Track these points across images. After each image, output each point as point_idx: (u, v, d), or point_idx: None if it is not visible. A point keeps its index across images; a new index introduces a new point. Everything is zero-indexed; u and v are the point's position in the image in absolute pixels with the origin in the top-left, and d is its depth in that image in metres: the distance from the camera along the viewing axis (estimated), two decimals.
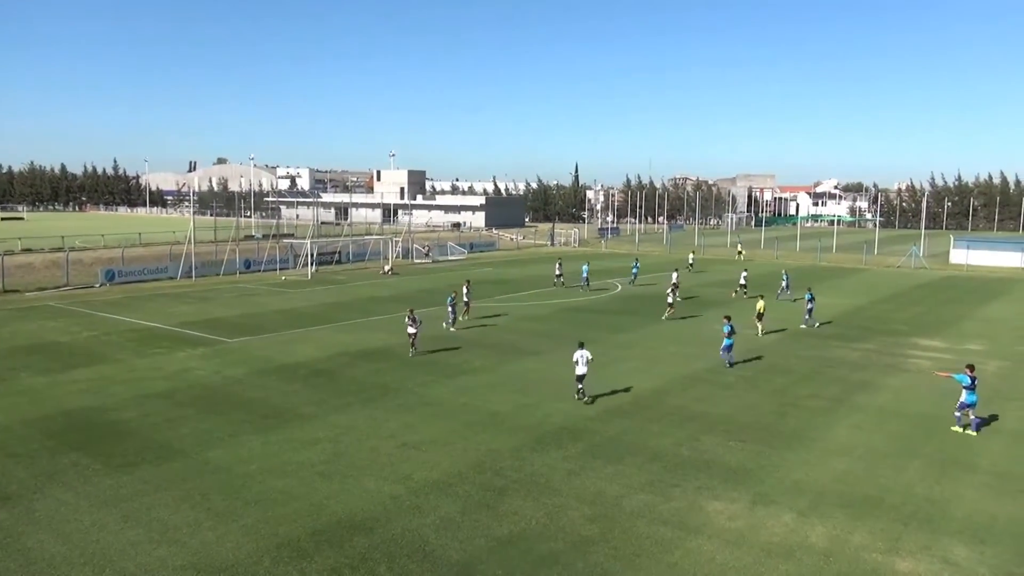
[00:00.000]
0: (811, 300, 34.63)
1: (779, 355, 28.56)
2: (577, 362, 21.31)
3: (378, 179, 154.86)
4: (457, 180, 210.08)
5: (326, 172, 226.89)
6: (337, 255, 62.38)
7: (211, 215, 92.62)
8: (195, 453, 17.34)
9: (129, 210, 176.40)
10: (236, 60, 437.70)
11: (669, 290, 37.50)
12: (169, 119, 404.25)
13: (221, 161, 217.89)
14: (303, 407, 21.09)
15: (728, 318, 26.62)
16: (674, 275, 42.80)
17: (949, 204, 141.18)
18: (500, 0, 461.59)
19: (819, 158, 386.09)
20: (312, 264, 54.97)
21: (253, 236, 73.87)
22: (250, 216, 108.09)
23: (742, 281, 45.26)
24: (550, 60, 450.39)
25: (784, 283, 44.18)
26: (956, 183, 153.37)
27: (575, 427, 19.55)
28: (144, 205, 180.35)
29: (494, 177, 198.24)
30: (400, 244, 66.33)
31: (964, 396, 19.35)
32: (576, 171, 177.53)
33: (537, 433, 19.03)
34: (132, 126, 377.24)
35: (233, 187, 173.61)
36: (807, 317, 34.57)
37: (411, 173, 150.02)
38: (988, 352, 29.73)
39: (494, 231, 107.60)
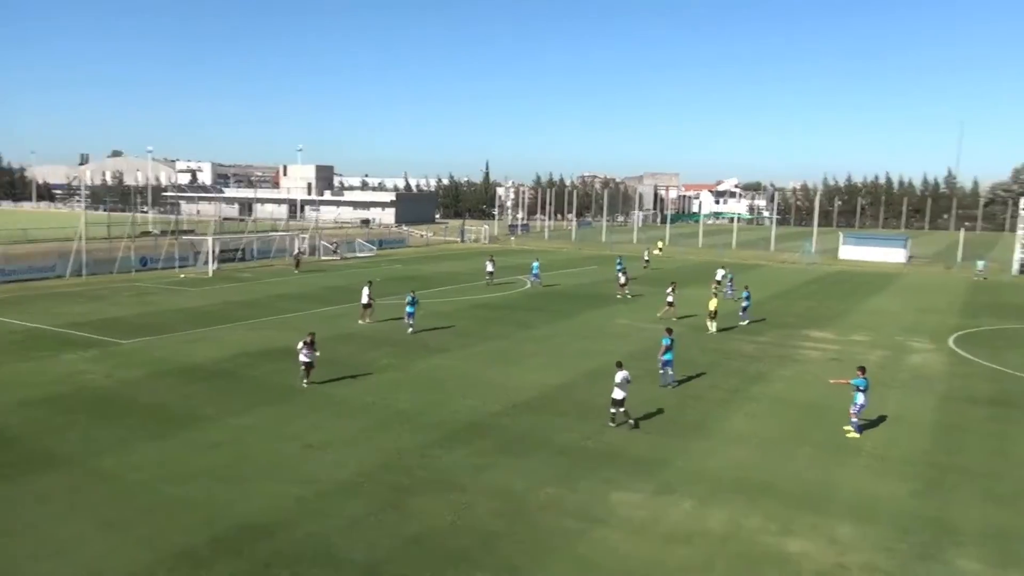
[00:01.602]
0: (747, 298, 35.59)
1: (681, 348, 29.41)
2: (618, 384, 19.23)
3: (284, 174, 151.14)
4: (367, 176, 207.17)
5: (229, 167, 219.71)
6: (241, 252, 60.47)
7: (105, 210, 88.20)
8: (84, 461, 16.51)
9: (14, 205, 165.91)
10: (132, 48, 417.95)
11: (670, 289, 36.93)
12: (59, 109, 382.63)
13: (116, 154, 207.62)
14: (203, 410, 20.38)
15: (670, 331, 24.21)
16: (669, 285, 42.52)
17: (839, 203, 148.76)
18: None
19: (721, 158, 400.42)
20: (214, 261, 53.11)
21: (151, 232, 70.73)
22: (147, 211, 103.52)
23: (718, 278, 46.48)
24: (461, 57, 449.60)
25: (728, 281, 45.60)
26: (846, 183, 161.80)
27: (483, 423, 19.64)
28: (30, 200, 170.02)
29: (405, 173, 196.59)
30: (307, 241, 64.88)
31: (860, 399, 19.24)
32: (487, 168, 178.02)
33: (445, 430, 19.02)
34: (16, 115, 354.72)
35: (129, 181, 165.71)
36: (742, 314, 35.27)
37: (319, 168, 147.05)
38: (872, 343, 31.53)
39: (404, 228, 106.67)
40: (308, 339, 22.78)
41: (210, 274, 50.88)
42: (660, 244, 74.03)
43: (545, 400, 21.97)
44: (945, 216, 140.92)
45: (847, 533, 13.78)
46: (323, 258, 64.54)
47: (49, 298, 39.70)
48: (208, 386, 22.84)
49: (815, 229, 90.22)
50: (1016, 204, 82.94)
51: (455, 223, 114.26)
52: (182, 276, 49.93)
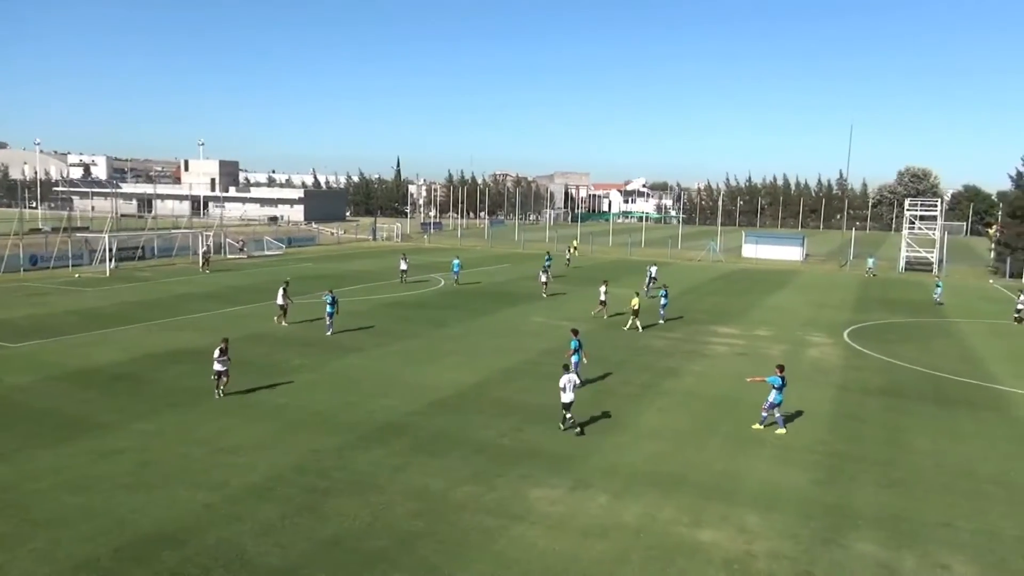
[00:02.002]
0: (665, 296, 36.10)
1: (594, 346, 29.95)
2: (564, 388, 18.94)
3: (186, 169, 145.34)
4: (274, 172, 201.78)
5: (126, 160, 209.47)
6: (140, 250, 57.86)
7: None
8: None
9: None
10: (21, 32, 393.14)
11: (603, 287, 36.82)
12: None
13: (1, 146, 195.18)
14: (102, 415, 19.42)
15: (576, 332, 24.09)
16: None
17: (741, 203, 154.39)
18: None
19: (629, 158, 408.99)
20: (111, 260, 50.65)
21: (40, 229, 66.93)
22: (36, 207, 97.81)
23: (652, 274, 47.36)
24: (370, 52, 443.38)
25: (648, 278, 46.65)
26: (747, 183, 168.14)
27: (399, 423, 19.48)
28: None
29: (313, 169, 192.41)
30: (212, 239, 62.73)
31: (773, 396, 19.56)
32: (398, 165, 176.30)
33: (361, 431, 18.76)
34: None
35: (15, 175, 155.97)
36: (662, 312, 35.71)
37: (223, 164, 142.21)
38: (773, 337, 32.92)
39: (314, 225, 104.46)
40: (222, 345, 21.11)
41: (107, 273, 48.53)
42: (574, 243, 75.08)
43: (461, 399, 21.96)
44: (838, 216, 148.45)
45: (754, 522, 14.35)
46: (229, 256, 62.51)
47: None
48: (108, 390, 21.78)
49: (719, 228, 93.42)
50: (901, 205, 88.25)
51: (366, 221, 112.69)
52: (77, 276, 47.41)
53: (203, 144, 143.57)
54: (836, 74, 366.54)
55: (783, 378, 19.76)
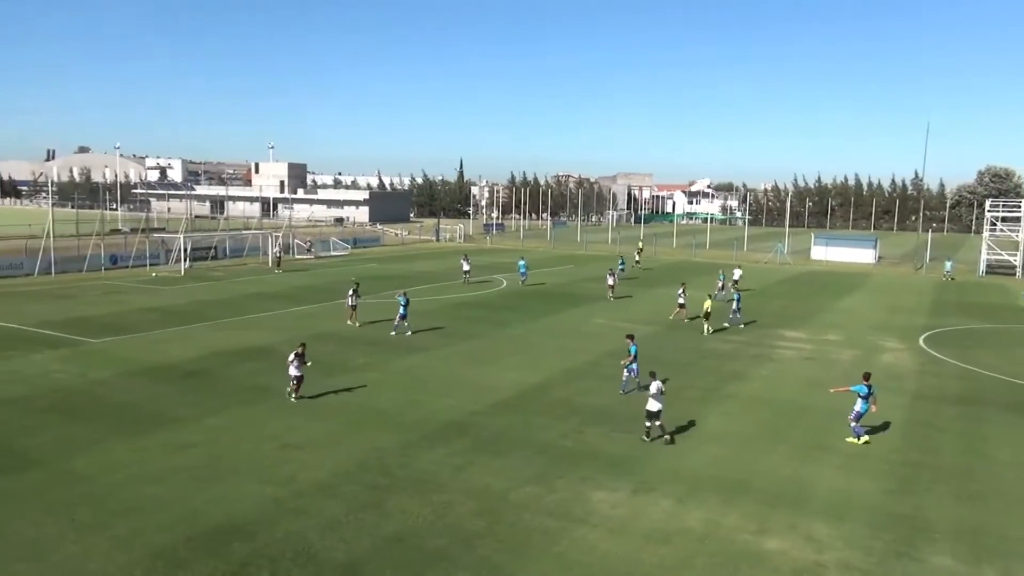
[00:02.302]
0: (738, 300, 34.99)
1: (657, 347, 29.65)
2: (652, 395, 18.22)
3: (256, 172, 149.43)
4: (340, 174, 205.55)
5: (200, 163, 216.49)
6: (213, 250, 59.79)
7: (73, 207, 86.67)
8: (57, 462, 16.23)
9: None
10: (99, 41, 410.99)
11: (680, 290, 36.29)
12: (24, 103, 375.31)
13: (83, 150, 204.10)
14: (176, 410, 20.12)
15: (631, 337, 23.48)
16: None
17: (810, 204, 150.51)
18: None
19: (694, 158, 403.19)
20: (186, 260, 52.45)
21: (120, 230, 69.72)
22: (116, 209, 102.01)
23: (735, 277, 46.28)
24: (436, 55, 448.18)
25: (720, 283, 44.57)
26: (816, 184, 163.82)
27: (461, 423, 19.61)
28: None
29: (379, 171, 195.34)
30: (281, 239, 64.37)
31: (859, 405, 18.76)
32: (461, 167, 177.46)
33: (424, 430, 18.96)
34: None
35: (97, 178, 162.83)
36: (735, 316, 34.53)
37: (291, 166, 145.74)
38: (843, 342, 31.97)
39: (378, 226, 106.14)
40: (299, 350, 21.12)
41: (182, 273, 50.25)
42: (640, 244, 74.36)
43: (523, 399, 21.99)
44: (913, 217, 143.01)
45: (824, 531, 13.95)
46: (297, 257, 64.01)
47: (17, 297, 38.96)
48: (182, 386, 22.55)
49: (786, 229, 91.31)
50: (981, 206, 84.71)
51: (430, 222, 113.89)
52: (153, 275, 49.25)
53: (272, 147, 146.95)
54: (911, 71, 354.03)
55: (870, 386, 18.89)
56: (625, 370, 22.85)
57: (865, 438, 18.88)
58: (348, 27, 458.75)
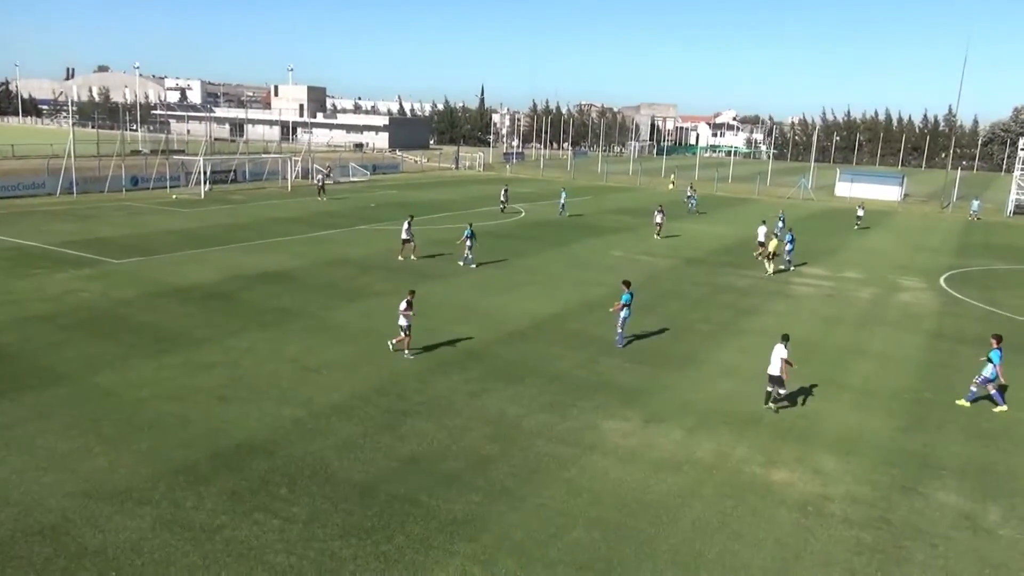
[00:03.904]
0: (792, 241, 33.52)
1: (675, 281, 29.61)
2: (772, 360, 16.62)
3: (275, 95, 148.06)
4: (360, 99, 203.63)
5: (219, 85, 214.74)
6: (233, 173, 59.77)
7: (93, 127, 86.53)
8: (82, 378, 16.65)
9: None
10: None
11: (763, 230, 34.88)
12: (42, 20, 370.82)
13: (102, 69, 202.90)
14: (198, 330, 20.47)
15: (627, 284, 21.44)
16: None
17: (838, 139, 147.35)
18: None
19: (719, 89, 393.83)
20: (206, 183, 52.53)
21: (140, 151, 69.60)
22: (136, 130, 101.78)
23: (859, 213, 47.82)
24: None
25: (780, 223, 40.92)
26: (845, 118, 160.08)
27: (477, 350, 19.83)
28: (16, 115, 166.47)
29: (399, 97, 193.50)
30: (299, 164, 64.11)
31: (988, 371, 17.38)
32: (482, 94, 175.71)
33: (439, 357, 19.20)
34: None
35: (116, 98, 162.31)
36: (788, 259, 33.15)
37: (311, 90, 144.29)
38: (863, 280, 31.73)
39: (398, 153, 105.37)
40: (409, 298, 19.15)
41: (202, 195, 50.39)
42: (672, 178, 73.38)
43: (538, 329, 22.15)
44: (943, 155, 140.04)
45: (831, 465, 14.13)
46: (315, 182, 63.82)
47: (39, 215, 39.35)
48: (203, 307, 22.88)
49: (812, 164, 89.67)
50: (1015, 144, 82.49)
51: (449, 149, 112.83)
52: (174, 197, 49.45)
53: (292, 70, 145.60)
54: (949, 4, 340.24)
55: (1001, 350, 17.49)
56: (619, 324, 20.90)
57: (1001, 407, 17.26)
58: None
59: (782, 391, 16.59)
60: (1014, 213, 61.81)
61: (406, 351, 19.10)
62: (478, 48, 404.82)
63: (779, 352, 16.51)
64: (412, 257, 31.17)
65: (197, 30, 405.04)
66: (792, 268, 32.98)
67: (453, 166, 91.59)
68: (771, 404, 16.68)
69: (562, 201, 48.83)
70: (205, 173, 52.71)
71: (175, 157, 61.00)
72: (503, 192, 50.54)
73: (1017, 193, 62.77)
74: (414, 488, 12.53)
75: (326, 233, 37.65)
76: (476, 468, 13.34)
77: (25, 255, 29.19)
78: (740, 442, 14.96)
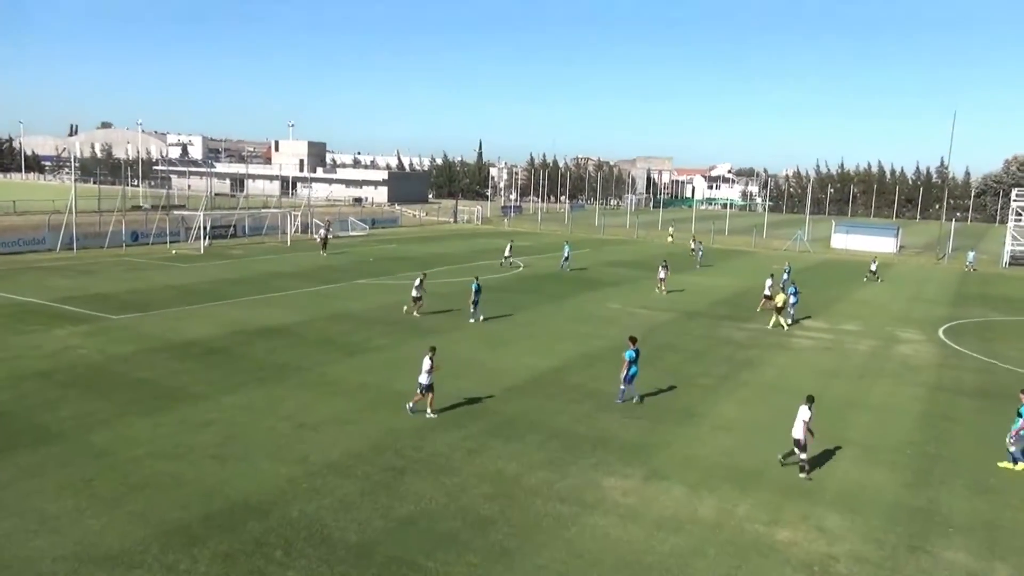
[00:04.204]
0: (795, 294, 33.39)
1: (673, 334, 29.57)
2: (796, 424, 16.10)
3: (276, 150, 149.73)
4: (359, 154, 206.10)
5: (220, 141, 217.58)
6: (232, 228, 60.16)
7: (95, 183, 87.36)
8: (77, 437, 16.48)
9: (2, 176, 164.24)
10: (121, 17, 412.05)
11: (769, 282, 35.13)
12: (47, 79, 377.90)
13: (106, 125, 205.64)
14: (195, 387, 20.34)
15: (634, 340, 20.93)
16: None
17: (832, 191, 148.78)
18: None
19: (714, 143, 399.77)
20: (205, 237, 52.82)
21: (141, 206, 70.03)
22: (138, 185, 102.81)
23: (872, 268, 48.85)
24: (455, 36, 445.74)
25: (785, 276, 41.03)
26: (839, 171, 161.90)
27: (475, 407, 19.69)
28: (19, 171, 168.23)
29: (398, 151, 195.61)
30: (299, 219, 64.57)
31: (1018, 425, 16.86)
32: (480, 148, 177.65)
33: (438, 413, 19.03)
34: (3, 84, 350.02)
35: (119, 154, 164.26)
36: (790, 312, 32.62)
37: (311, 145, 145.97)
38: (861, 332, 31.71)
39: (397, 207, 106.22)
40: (430, 355, 18.89)
41: (202, 251, 50.61)
42: (671, 231, 73.77)
43: (537, 383, 22.03)
44: (936, 206, 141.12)
45: (836, 523, 13.91)
46: (315, 236, 64.21)
47: (39, 271, 39.45)
48: (201, 363, 22.78)
49: (807, 216, 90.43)
50: (1007, 196, 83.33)
51: (448, 203, 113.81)
52: (174, 252, 49.66)
53: (293, 125, 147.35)
54: (940, 57, 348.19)
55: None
56: (624, 380, 20.45)
57: (1008, 464, 16.97)
58: (368, 9, 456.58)
59: (803, 456, 16.00)
60: (1010, 264, 62.13)
61: (429, 410, 18.69)
62: (476, 104, 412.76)
63: (803, 414, 16.00)
64: (414, 313, 31.02)
65: (200, 87, 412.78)
66: (791, 322, 32.66)
67: (451, 220, 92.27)
68: (787, 460, 16.29)
69: (565, 254, 48.75)
70: (205, 228, 53.04)
71: (175, 212, 61.42)
72: (508, 247, 49.98)
73: (1012, 244, 63.19)
74: (412, 550, 12.30)
75: (325, 288, 37.72)
76: (475, 528, 13.12)
77: (24, 311, 29.16)
78: (743, 499, 14.75)
